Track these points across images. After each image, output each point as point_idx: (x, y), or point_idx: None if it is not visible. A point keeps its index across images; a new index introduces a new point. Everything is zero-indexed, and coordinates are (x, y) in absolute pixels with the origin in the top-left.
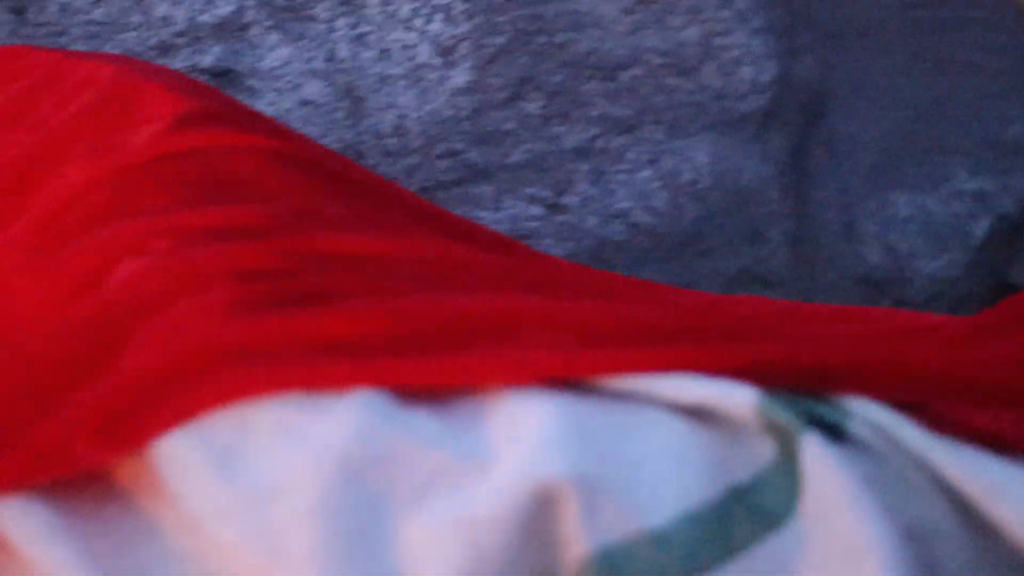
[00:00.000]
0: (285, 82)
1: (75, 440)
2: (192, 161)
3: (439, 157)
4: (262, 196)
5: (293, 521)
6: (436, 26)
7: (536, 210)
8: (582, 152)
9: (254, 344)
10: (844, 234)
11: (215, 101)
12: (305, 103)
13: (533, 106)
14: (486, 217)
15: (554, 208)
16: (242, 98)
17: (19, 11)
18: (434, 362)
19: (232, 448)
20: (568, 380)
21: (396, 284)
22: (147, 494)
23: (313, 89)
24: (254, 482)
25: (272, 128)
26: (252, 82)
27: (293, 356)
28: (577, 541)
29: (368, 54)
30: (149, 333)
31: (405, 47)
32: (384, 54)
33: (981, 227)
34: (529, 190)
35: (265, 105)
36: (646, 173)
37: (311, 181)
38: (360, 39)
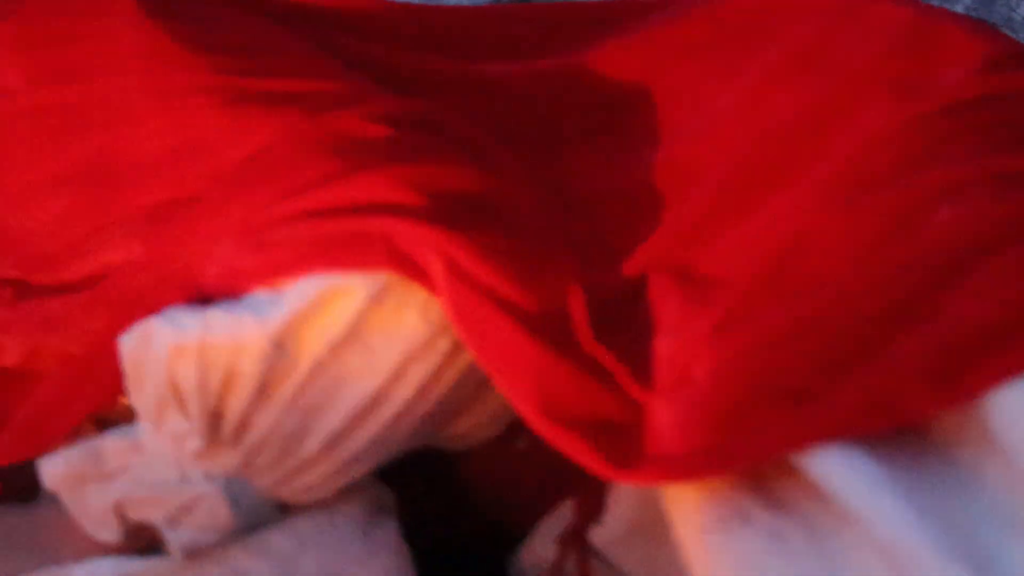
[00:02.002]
0: None
1: (901, 390)
2: (1008, 104)
3: None
4: None
5: None
6: None
7: None
8: None
9: None
10: None
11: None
12: None
13: None
14: None
15: None
16: None
17: None
18: None
19: None
20: None
21: None
22: (970, 447)
23: None
24: None
25: None
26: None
27: None
28: None
29: None
30: (975, 281)
31: None
32: None
33: None
34: None
35: None
36: None
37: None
38: None
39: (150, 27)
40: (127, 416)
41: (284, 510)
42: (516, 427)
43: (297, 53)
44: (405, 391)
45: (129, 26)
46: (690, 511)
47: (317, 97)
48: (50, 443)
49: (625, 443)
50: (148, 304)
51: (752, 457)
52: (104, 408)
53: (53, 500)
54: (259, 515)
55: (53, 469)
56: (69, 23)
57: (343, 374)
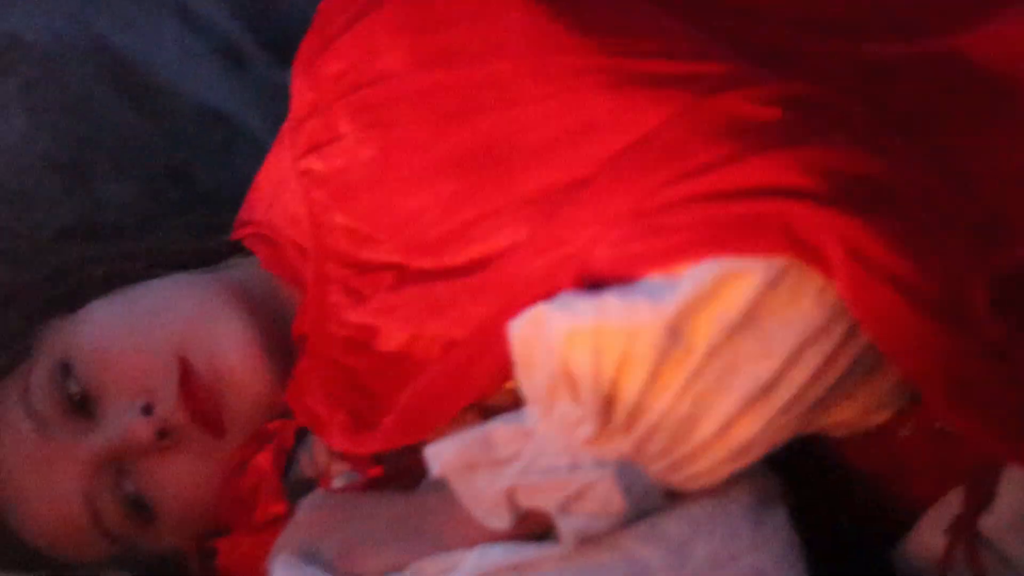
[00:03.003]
0: None
1: None
2: None
3: None
4: None
5: None
6: None
7: None
8: None
9: None
10: None
11: None
12: None
13: None
14: None
15: None
16: None
17: None
18: None
19: None
20: None
21: None
22: None
23: None
24: None
25: None
26: None
27: None
28: None
29: None
30: None
31: None
32: None
33: None
34: None
35: None
36: None
37: None
38: None
39: (533, 8)
40: (508, 401)
41: (671, 498)
42: (902, 414)
43: (679, 35)
44: (799, 376)
45: (512, 7)
46: None
47: (705, 79)
48: (434, 429)
49: None
50: (538, 289)
51: None
52: (489, 394)
53: (434, 486)
54: (649, 502)
55: (444, 455)
56: (451, 5)
57: (737, 359)
